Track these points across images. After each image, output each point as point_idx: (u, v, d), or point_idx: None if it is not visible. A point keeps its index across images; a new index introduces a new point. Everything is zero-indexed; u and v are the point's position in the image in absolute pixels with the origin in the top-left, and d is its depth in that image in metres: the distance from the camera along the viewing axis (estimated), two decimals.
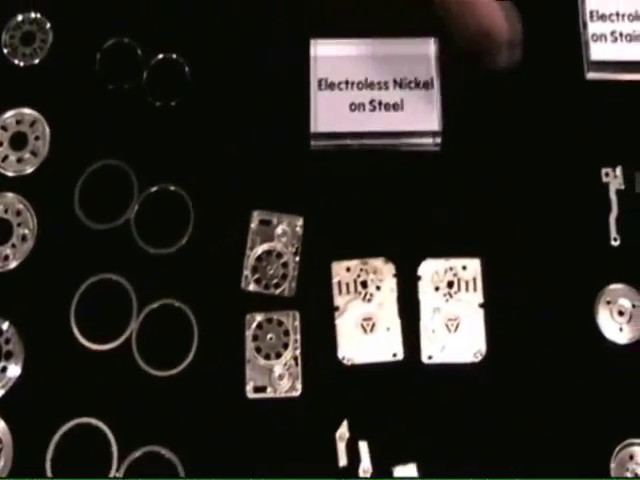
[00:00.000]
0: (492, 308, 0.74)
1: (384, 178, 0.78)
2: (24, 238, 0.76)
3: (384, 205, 0.77)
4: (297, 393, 0.72)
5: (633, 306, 0.75)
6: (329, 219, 0.77)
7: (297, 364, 0.73)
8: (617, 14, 0.81)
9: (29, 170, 0.78)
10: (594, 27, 0.81)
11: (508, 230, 0.76)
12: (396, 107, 0.79)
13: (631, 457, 0.71)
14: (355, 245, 0.76)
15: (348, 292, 0.75)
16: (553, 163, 0.78)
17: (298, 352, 0.73)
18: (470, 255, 0.75)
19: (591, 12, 0.81)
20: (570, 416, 0.72)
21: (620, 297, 0.75)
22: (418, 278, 0.75)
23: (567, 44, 0.81)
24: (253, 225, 0.76)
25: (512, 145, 0.79)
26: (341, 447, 0.70)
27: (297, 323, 0.73)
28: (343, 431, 0.71)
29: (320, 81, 0.80)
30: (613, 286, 0.75)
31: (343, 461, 0.70)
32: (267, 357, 0.73)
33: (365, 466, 0.70)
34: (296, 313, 0.74)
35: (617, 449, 0.71)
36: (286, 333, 0.73)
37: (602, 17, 0.81)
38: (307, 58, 0.80)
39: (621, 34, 0.81)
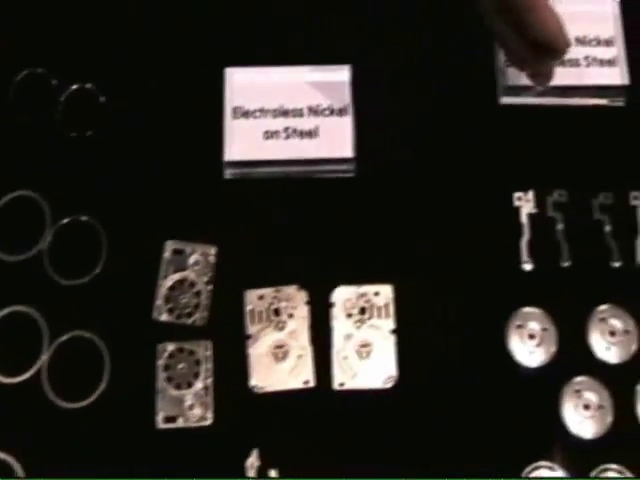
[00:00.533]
0: (404, 334, 0.75)
1: (298, 206, 0.78)
2: None
3: (298, 233, 0.78)
4: (208, 422, 0.72)
5: (544, 329, 0.75)
6: (243, 248, 0.77)
7: (208, 393, 0.73)
8: None
9: None
10: None
11: (420, 255, 0.77)
12: (311, 134, 0.80)
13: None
14: (269, 273, 0.76)
15: (261, 320, 0.75)
16: (465, 187, 0.79)
17: (209, 381, 0.73)
18: (383, 281, 0.76)
19: None
20: (481, 440, 0.73)
21: (530, 320, 0.75)
22: (331, 305, 0.75)
23: (481, 70, 0.82)
24: (166, 255, 0.76)
25: (425, 170, 0.80)
26: (251, 476, 0.71)
27: (209, 352, 0.74)
28: (253, 460, 0.71)
29: (235, 109, 0.80)
30: (523, 310, 0.76)
31: None
32: (178, 387, 0.73)
33: None
34: (208, 342, 0.74)
35: (526, 471, 0.71)
36: (197, 362, 0.73)
37: None
38: (222, 86, 0.80)
39: None
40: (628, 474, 0.71)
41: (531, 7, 0.69)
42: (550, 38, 0.70)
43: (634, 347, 0.75)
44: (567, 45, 0.72)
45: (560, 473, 0.71)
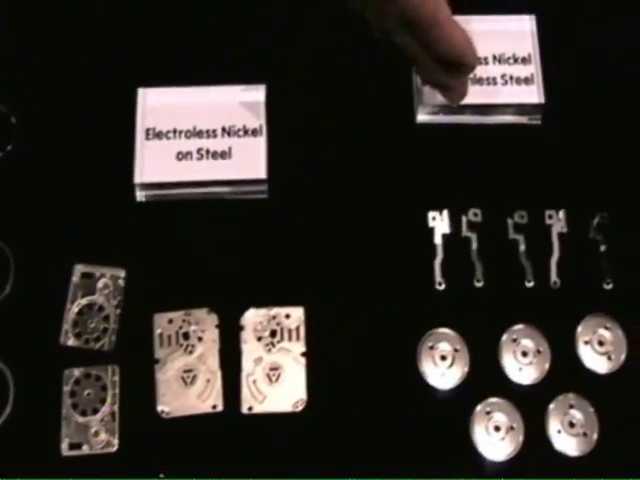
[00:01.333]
0: (315, 357, 0.74)
1: (209, 228, 0.78)
2: None
3: (208, 254, 0.77)
4: (114, 449, 0.71)
5: (456, 350, 0.75)
6: (153, 271, 0.76)
7: (115, 419, 0.72)
8: None
9: None
10: None
11: (332, 276, 0.77)
12: (224, 155, 0.79)
13: None
14: (179, 296, 0.75)
15: (170, 344, 0.74)
16: (380, 206, 0.79)
17: (116, 407, 0.72)
18: (294, 303, 0.75)
19: None
20: (393, 463, 0.72)
21: (442, 341, 0.75)
22: (241, 328, 0.75)
23: (398, 88, 0.82)
24: (75, 278, 0.75)
25: (339, 190, 0.79)
26: None
27: (116, 378, 0.73)
28: None
29: (147, 130, 0.79)
30: (435, 331, 0.75)
31: None
32: (84, 413, 0.72)
33: None
34: (115, 367, 0.73)
35: None
36: (104, 388, 0.72)
37: None
38: (135, 107, 0.79)
39: None
40: None
41: (435, 23, 0.68)
42: (457, 53, 0.70)
43: (546, 367, 0.75)
44: (475, 59, 0.71)
45: None
